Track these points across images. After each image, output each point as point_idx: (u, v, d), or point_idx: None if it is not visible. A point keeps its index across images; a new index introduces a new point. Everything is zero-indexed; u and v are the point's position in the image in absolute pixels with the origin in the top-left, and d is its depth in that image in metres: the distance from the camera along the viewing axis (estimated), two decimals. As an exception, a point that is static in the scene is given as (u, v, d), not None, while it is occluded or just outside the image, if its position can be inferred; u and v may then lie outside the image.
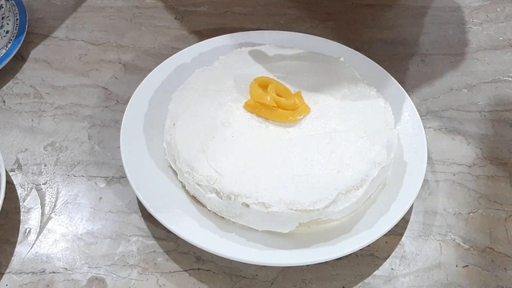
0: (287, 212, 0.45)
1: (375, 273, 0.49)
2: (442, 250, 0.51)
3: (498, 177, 0.56)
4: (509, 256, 0.51)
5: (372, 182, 0.48)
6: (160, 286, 0.47)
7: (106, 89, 0.62)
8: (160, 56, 0.63)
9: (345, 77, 0.56)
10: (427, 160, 0.52)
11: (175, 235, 0.46)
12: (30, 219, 0.51)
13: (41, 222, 0.51)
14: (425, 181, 0.55)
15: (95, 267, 0.48)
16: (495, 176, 0.56)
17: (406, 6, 0.74)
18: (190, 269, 0.48)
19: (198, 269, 0.48)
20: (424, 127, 0.54)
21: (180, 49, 0.60)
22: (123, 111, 0.54)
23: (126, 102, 0.55)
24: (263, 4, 0.73)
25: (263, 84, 0.52)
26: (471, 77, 0.66)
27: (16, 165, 0.55)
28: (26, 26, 0.64)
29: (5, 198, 0.48)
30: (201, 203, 0.49)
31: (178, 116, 0.51)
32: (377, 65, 0.60)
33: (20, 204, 0.52)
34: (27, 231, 0.50)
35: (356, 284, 0.48)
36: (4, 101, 0.60)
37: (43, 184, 0.53)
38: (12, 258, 0.48)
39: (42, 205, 0.52)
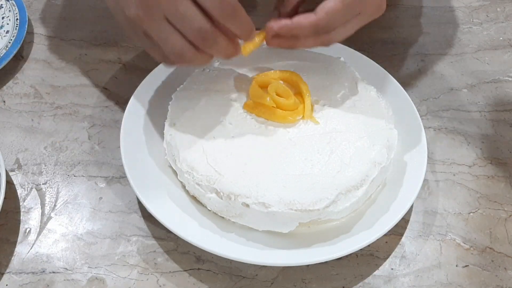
0: (287, 212, 0.45)
1: (375, 273, 0.49)
2: (442, 250, 0.51)
3: (498, 177, 0.56)
4: (509, 256, 0.51)
5: (372, 182, 0.48)
6: (160, 286, 0.47)
7: (106, 89, 0.62)
8: (160, 56, 0.63)
9: (345, 77, 0.56)
10: (427, 160, 0.52)
11: (175, 235, 0.46)
12: (30, 219, 0.51)
13: (41, 222, 0.51)
14: (425, 181, 0.55)
15: (95, 267, 0.48)
16: (495, 176, 0.56)
17: (406, 6, 0.74)
18: (190, 269, 0.48)
19: (198, 269, 0.48)
20: (424, 127, 0.54)
21: (180, 49, 0.60)
22: (123, 111, 0.54)
23: (126, 102, 0.55)
24: (263, 4, 0.73)
25: (263, 84, 0.52)
26: (471, 77, 0.66)
27: (16, 165, 0.55)
28: (26, 26, 0.64)
29: (5, 198, 0.48)
30: (201, 203, 0.49)
31: (178, 116, 0.51)
32: (377, 65, 0.60)
33: (20, 204, 0.52)
34: (27, 231, 0.50)
35: (356, 284, 0.48)
36: (4, 101, 0.60)
37: (43, 184, 0.53)
38: (12, 258, 0.48)
39: (42, 205, 0.52)
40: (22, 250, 0.49)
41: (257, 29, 0.62)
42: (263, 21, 0.70)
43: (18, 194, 0.53)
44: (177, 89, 0.54)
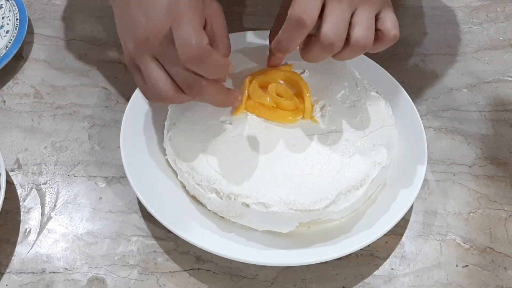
0: (287, 212, 0.45)
1: (375, 273, 0.49)
2: (442, 250, 0.51)
3: (498, 177, 0.56)
4: (509, 256, 0.51)
5: (372, 182, 0.48)
6: (160, 286, 0.47)
7: (106, 89, 0.62)
8: (160, 56, 0.63)
9: (345, 77, 0.56)
10: (427, 160, 0.52)
11: (175, 235, 0.46)
12: (30, 219, 0.51)
13: (41, 222, 0.51)
14: (425, 181, 0.55)
15: (95, 267, 0.48)
16: (495, 176, 0.56)
17: (406, 6, 0.74)
18: (190, 269, 0.48)
19: (198, 269, 0.48)
20: (424, 127, 0.54)
21: (180, 49, 0.60)
22: (123, 111, 0.54)
23: (126, 102, 0.55)
24: (263, 4, 0.73)
25: (263, 85, 0.52)
26: (471, 77, 0.66)
27: (16, 165, 0.55)
28: (26, 26, 0.64)
29: (5, 198, 0.48)
30: (201, 203, 0.49)
31: (178, 116, 0.51)
32: (377, 65, 0.60)
33: (20, 204, 0.52)
34: (27, 231, 0.50)
35: (356, 284, 0.48)
36: (4, 101, 0.60)
37: (43, 184, 0.53)
38: (12, 258, 0.48)
39: (42, 205, 0.52)
40: (22, 250, 0.49)
41: (257, 29, 0.62)
42: (263, 21, 0.70)
43: (18, 194, 0.53)
44: (177, 89, 0.54)
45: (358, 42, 0.44)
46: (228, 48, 0.47)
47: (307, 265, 0.49)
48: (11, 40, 0.62)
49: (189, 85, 0.42)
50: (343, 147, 0.49)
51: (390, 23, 0.45)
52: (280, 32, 0.45)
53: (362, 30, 0.44)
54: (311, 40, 0.45)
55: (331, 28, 0.43)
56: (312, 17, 0.43)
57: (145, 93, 0.46)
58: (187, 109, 0.52)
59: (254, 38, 0.62)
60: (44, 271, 0.48)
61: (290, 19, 0.43)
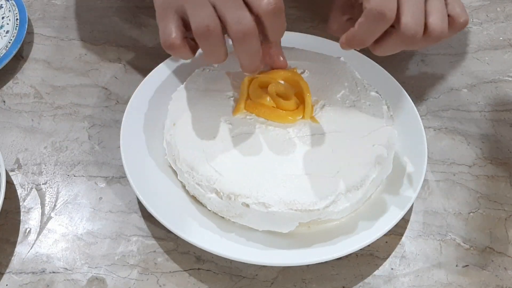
0: (287, 212, 0.45)
1: (375, 273, 0.49)
2: (442, 250, 0.51)
3: (498, 177, 0.56)
4: (509, 256, 0.51)
5: (372, 182, 0.48)
6: (160, 286, 0.47)
7: (106, 89, 0.62)
8: (160, 56, 0.63)
9: (345, 77, 0.56)
10: (427, 160, 0.52)
11: (175, 235, 0.46)
12: (30, 219, 0.51)
13: (41, 222, 0.51)
14: (425, 181, 0.55)
15: (95, 267, 0.48)
16: (495, 176, 0.56)
17: (406, 6, 0.74)
18: (190, 269, 0.48)
19: (198, 269, 0.48)
20: (424, 127, 0.54)
21: (180, 49, 0.60)
22: (123, 111, 0.54)
23: (126, 102, 0.55)
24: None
25: (263, 84, 0.52)
26: (471, 77, 0.66)
27: (16, 165, 0.55)
28: (26, 26, 0.64)
29: (5, 198, 0.48)
30: (201, 203, 0.49)
31: (178, 116, 0.51)
32: (377, 65, 0.60)
33: (20, 204, 0.52)
34: (27, 231, 0.50)
35: (356, 284, 0.48)
36: (4, 101, 0.60)
37: (43, 184, 0.53)
38: (12, 258, 0.48)
39: (42, 205, 0.52)
40: (22, 250, 0.49)
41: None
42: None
43: (18, 194, 0.53)
44: (177, 89, 0.54)
45: (435, 30, 0.43)
46: None
47: (307, 265, 0.49)
48: (11, 40, 0.62)
49: (204, 34, 0.42)
50: (343, 147, 0.49)
51: (459, 8, 0.45)
52: (356, 25, 0.43)
53: (438, 18, 0.43)
54: (387, 32, 0.44)
55: (411, 18, 0.42)
56: (392, 9, 0.42)
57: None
58: (187, 109, 0.52)
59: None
60: (44, 271, 0.48)
61: (370, 12, 0.42)
